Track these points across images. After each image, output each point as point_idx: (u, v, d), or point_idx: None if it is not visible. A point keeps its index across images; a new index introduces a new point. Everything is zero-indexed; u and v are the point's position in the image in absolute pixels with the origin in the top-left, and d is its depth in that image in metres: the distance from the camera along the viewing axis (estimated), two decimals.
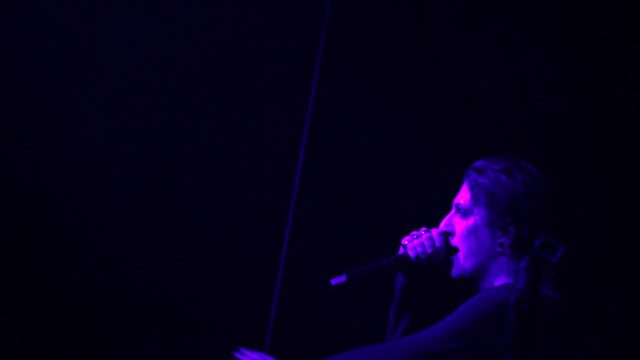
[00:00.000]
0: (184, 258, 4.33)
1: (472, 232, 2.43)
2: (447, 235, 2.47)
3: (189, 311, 4.33)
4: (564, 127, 4.13)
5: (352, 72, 4.24)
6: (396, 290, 2.52)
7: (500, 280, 2.39)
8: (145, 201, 4.36)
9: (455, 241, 2.45)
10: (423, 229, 2.49)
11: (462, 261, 2.43)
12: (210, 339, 4.30)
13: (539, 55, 4.16)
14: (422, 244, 2.45)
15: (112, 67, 4.32)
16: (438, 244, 2.45)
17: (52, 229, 4.33)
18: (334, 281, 2.39)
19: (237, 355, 2.44)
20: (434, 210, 2.61)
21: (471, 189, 2.44)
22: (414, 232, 2.49)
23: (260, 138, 4.28)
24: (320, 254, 4.18)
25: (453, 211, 2.48)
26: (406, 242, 2.48)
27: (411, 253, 2.46)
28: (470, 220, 2.44)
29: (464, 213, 2.45)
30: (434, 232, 2.47)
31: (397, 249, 2.54)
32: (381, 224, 4.12)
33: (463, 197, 2.46)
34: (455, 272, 2.46)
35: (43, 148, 4.30)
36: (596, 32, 4.09)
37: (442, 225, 2.48)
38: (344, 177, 4.25)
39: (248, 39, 4.33)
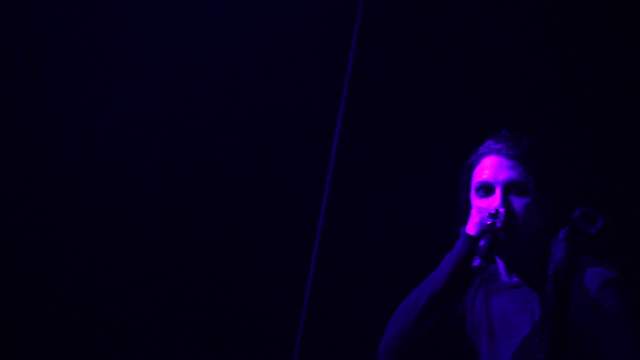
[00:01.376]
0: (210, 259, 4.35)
1: (529, 207, 2.45)
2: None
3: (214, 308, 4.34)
4: (594, 99, 4.11)
5: (388, 59, 4.20)
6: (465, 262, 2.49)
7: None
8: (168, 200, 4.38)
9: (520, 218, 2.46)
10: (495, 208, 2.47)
11: (524, 235, 2.45)
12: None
13: (579, 23, 4.12)
14: (502, 213, 2.43)
15: (128, 59, 4.30)
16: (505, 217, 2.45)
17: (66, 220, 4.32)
18: (474, 264, 2.40)
19: None
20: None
21: (523, 162, 2.43)
22: (489, 212, 2.47)
23: (290, 141, 4.27)
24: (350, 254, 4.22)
25: (499, 196, 2.47)
26: (490, 219, 2.45)
27: (500, 221, 2.44)
28: (527, 198, 2.45)
29: (518, 190, 2.45)
30: (499, 205, 2.46)
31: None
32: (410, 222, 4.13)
33: (509, 174, 2.46)
34: (514, 248, 2.47)
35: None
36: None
37: (498, 203, 2.46)
38: (376, 175, 4.24)
39: (279, 34, 4.31)
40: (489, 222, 2.43)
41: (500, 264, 2.56)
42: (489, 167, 2.49)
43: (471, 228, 2.48)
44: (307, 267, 3.61)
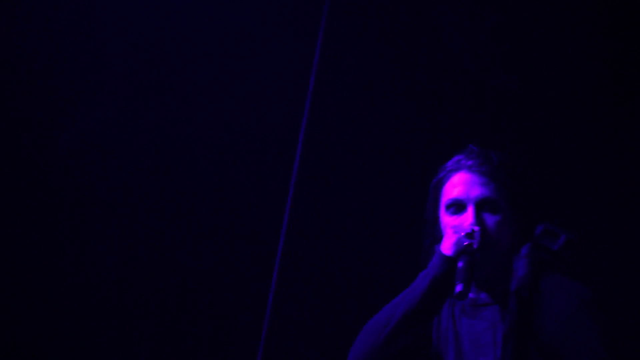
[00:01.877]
0: (180, 260, 4.31)
1: (501, 224, 2.42)
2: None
3: (185, 310, 4.30)
4: (563, 112, 4.12)
5: (352, 63, 4.20)
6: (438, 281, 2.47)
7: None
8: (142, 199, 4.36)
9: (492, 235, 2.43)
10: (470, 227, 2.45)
11: (498, 252, 2.42)
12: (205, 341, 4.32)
13: (540, 40, 4.14)
14: (478, 232, 2.39)
15: (111, 58, 4.29)
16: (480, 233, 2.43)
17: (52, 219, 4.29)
18: (457, 290, 2.37)
19: None
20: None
21: (495, 179, 2.42)
22: (464, 231, 2.43)
23: (257, 136, 4.23)
24: (316, 254, 4.19)
25: (471, 213, 2.43)
26: (467, 240, 2.43)
27: (476, 241, 2.39)
28: (498, 215, 2.42)
29: (493, 208, 2.42)
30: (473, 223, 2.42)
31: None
32: (378, 224, 4.12)
33: (482, 190, 2.43)
34: (488, 265, 2.44)
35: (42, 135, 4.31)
36: (598, 18, 4.07)
37: (470, 220, 2.43)
38: (341, 175, 4.24)
39: (246, 34, 4.27)
40: (466, 243, 2.40)
41: None
42: (460, 184, 2.46)
43: (447, 248, 2.42)
44: (269, 281, 3.60)
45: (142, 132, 4.34)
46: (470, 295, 2.51)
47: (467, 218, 2.40)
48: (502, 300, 2.43)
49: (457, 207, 2.44)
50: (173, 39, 4.31)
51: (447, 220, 2.44)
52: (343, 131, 4.20)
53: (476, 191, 2.41)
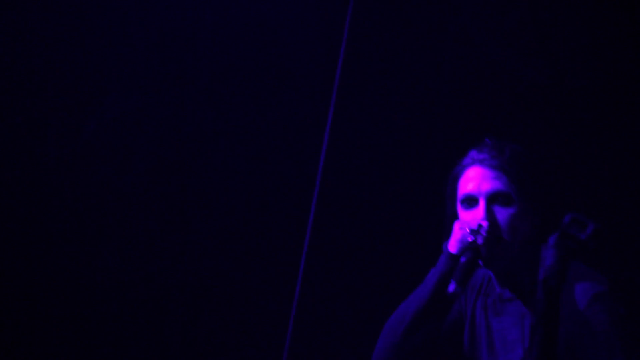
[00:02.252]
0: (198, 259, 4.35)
1: (516, 218, 2.44)
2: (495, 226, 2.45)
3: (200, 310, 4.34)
4: (591, 103, 4.12)
5: (376, 63, 4.21)
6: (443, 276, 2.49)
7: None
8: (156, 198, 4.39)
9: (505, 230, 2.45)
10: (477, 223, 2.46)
11: (512, 246, 2.44)
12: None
13: (568, 30, 4.13)
14: (486, 228, 2.42)
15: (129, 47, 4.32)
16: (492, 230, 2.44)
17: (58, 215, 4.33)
18: (450, 290, 2.40)
19: None
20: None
21: (507, 173, 2.43)
22: (470, 227, 2.45)
23: (280, 139, 4.27)
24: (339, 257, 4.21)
25: (483, 207, 2.46)
26: (466, 231, 2.45)
27: (481, 238, 2.43)
28: (512, 208, 2.44)
29: (503, 201, 2.44)
30: (483, 220, 2.44)
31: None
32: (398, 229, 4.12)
33: (493, 184, 2.45)
34: (502, 259, 2.46)
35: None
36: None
37: (481, 216, 2.45)
38: (366, 169, 4.24)
39: (269, 34, 4.33)
40: (470, 240, 2.42)
41: (492, 275, 2.55)
42: (473, 179, 2.48)
43: (452, 245, 2.47)
44: (295, 278, 3.60)
45: (157, 125, 4.38)
46: (497, 290, 2.52)
47: (479, 213, 2.41)
48: (526, 294, 2.44)
49: (470, 201, 2.46)
50: (193, 31, 4.34)
51: (462, 215, 2.47)
52: (368, 124, 4.22)
53: (487, 185, 2.43)
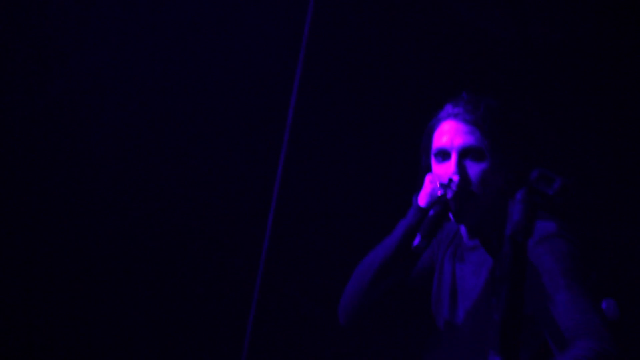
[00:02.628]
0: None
1: (487, 172, 2.43)
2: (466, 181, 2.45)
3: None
4: (558, 61, 4.10)
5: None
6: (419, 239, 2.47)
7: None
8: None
9: (475, 184, 2.44)
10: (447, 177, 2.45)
11: (483, 201, 2.43)
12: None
13: None
14: (457, 182, 2.42)
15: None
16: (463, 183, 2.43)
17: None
18: (415, 243, 2.39)
19: None
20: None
21: (480, 127, 2.42)
22: (440, 181, 2.45)
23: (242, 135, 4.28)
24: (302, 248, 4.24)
25: (454, 159, 2.45)
26: (436, 185, 2.45)
27: (450, 192, 2.42)
28: (484, 163, 2.44)
29: (476, 156, 2.43)
30: (454, 173, 2.44)
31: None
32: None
33: (467, 139, 2.44)
34: (471, 216, 2.46)
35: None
36: None
37: (452, 169, 2.44)
38: (337, 128, 4.24)
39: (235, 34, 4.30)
40: (440, 194, 2.42)
41: (462, 227, 2.55)
42: (446, 133, 2.47)
43: (422, 198, 2.49)
44: (264, 226, 3.60)
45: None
46: (464, 241, 2.53)
47: (450, 167, 2.40)
48: (491, 243, 2.44)
49: (443, 155, 2.46)
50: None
51: (435, 168, 2.46)
52: (340, 73, 4.20)
53: (459, 139, 2.43)
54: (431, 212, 2.41)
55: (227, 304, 4.26)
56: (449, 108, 2.51)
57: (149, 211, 4.33)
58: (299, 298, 4.21)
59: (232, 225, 4.30)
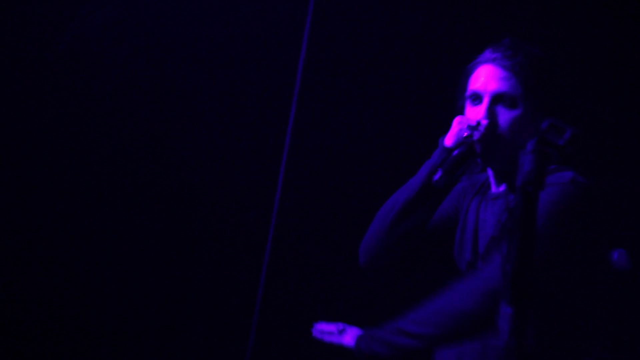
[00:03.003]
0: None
1: (518, 118, 2.42)
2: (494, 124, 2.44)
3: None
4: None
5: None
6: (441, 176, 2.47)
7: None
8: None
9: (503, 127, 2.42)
10: (476, 120, 2.44)
11: (508, 143, 2.42)
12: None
13: None
14: (486, 126, 2.41)
15: None
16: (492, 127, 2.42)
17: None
18: (436, 178, 2.39)
19: (318, 328, 2.47)
20: None
21: (516, 72, 2.39)
22: (470, 123, 2.44)
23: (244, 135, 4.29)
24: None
25: (486, 104, 2.43)
26: (464, 127, 2.44)
27: (477, 134, 2.42)
28: (517, 110, 2.42)
29: (508, 100, 2.41)
30: (484, 118, 2.43)
31: None
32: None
33: (501, 85, 2.41)
34: (496, 156, 2.45)
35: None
36: None
37: (483, 113, 2.43)
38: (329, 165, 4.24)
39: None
40: (466, 134, 2.41)
41: (490, 173, 2.55)
42: (482, 76, 2.46)
43: (449, 138, 2.48)
44: (276, 178, 3.63)
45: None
46: (491, 189, 2.53)
47: (481, 111, 2.39)
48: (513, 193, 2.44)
49: (475, 98, 2.46)
50: None
51: (468, 111, 2.46)
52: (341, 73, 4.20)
53: (494, 85, 2.41)
54: (455, 152, 2.41)
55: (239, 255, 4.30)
56: (488, 52, 2.49)
57: (153, 211, 4.37)
58: (314, 245, 4.25)
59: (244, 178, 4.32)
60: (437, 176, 2.39)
